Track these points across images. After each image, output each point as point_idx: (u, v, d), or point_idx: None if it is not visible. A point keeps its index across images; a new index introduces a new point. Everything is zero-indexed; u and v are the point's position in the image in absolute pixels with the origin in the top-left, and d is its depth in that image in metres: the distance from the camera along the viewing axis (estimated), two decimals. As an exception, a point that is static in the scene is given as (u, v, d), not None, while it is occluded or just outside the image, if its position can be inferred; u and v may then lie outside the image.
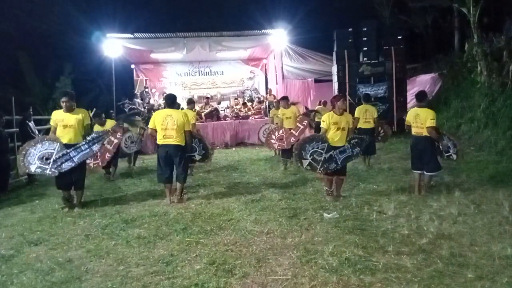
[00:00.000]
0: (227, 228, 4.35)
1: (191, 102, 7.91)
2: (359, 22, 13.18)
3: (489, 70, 11.00)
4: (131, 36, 13.10)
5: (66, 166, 5.20)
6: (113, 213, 5.12)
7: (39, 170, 5.20)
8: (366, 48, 13.02)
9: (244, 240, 3.98)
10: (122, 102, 12.99)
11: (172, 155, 5.48)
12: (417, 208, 4.84)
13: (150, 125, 5.59)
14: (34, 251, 3.92)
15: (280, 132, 8.06)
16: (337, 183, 5.47)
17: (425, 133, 5.36)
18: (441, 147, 5.55)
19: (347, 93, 12.46)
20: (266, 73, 16.48)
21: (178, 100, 7.61)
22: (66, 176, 5.27)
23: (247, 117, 13.51)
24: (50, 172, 5.18)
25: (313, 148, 5.33)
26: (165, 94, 8.46)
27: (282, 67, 14.27)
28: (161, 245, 3.92)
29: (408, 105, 12.73)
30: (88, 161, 6.12)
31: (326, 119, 5.31)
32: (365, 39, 13.01)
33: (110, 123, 7.58)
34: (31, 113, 8.20)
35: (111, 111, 9.61)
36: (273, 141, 8.20)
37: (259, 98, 15.14)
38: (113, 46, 12.88)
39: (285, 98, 8.49)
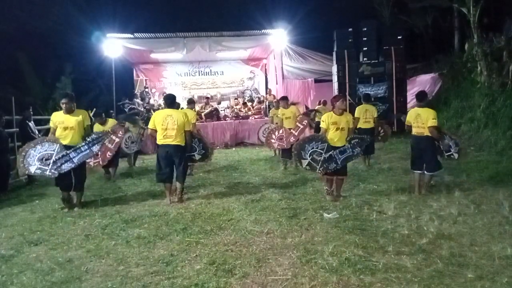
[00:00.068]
0: (227, 228, 4.35)
1: (191, 102, 7.93)
2: (359, 22, 13.17)
3: (489, 70, 11.01)
4: (131, 36, 13.10)
5: (66, 167, 5.20)
6: (113, 213, 5.12)
7: (39, 171, 5.21)
8: (366, 48, 13.02)
9: (244, 240, 3.98)
10: (122, 102, 12.97)
11: (172, 155, 5.48)
12: (417, 208, 4.84)
13: (150, 125, 5.57)
14: (34, 251, 3.92)
15: (280, 131, 8.07)
16: (337, 183, 5.46)
17: (426, 132, 5.35)
18: (442, 146, 5.55)
19: (347, 93, 12.45)
20: (266, 73, 16.47)
21: (178, 100, 7.61)
22: (66, 177, 5.27)
23: (247, 117, 13.51)
24: (50, 173, 5.18)
25: (312, 148, 5.33)
26: (164, 94, 8.45)
27: (282, 67, 14.26)
28: (161, 245, 3.92)
29: (408, 105, 12.72)
30: (88, 160, 6.12)
31: (326, 119, 5.31)
32: (365, 39, 13.01)
33: (111, 123, 7.59)
34: (31, 113, 8.20)
35: (111, 111, 9.61)
36: (273, 140, 8.20)
37: (259, 98, 15.13)
38: (113, 46, 12.88)
39: (284, 98, 8.49)
